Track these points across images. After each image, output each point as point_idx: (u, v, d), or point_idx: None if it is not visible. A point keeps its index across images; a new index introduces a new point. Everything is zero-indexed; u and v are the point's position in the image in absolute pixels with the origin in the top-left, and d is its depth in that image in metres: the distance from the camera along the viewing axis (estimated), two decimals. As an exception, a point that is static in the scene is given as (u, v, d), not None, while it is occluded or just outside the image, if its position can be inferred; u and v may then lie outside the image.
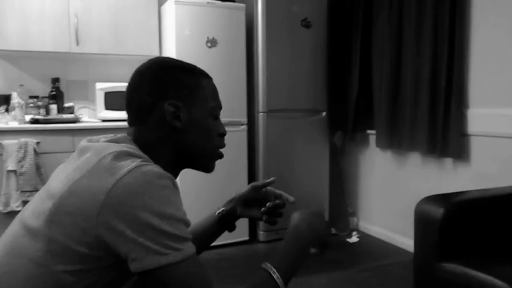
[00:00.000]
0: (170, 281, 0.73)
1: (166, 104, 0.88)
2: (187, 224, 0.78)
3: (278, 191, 1.16)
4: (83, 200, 0.74)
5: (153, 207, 0.72)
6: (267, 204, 1.15)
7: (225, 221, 1.17)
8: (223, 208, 1.17)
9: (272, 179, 1.18)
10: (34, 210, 0.80)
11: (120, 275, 0.82)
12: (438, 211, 1.69)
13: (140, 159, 0.79)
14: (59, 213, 0.75)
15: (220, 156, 1.00)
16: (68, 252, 0.74)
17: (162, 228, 0.72)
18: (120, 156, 0.79)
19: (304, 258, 0.91)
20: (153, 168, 0.77)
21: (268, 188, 1.18)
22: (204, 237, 1.16)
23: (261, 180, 1.18)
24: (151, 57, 0.98)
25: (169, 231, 0.73)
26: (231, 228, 1.19)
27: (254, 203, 1.19)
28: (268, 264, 0.86)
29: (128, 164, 0.76)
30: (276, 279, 0.84)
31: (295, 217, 0.97)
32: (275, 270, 0.85)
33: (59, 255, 0.74)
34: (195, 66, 0.96)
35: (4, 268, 0.77)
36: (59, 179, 0.81)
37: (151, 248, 0.71)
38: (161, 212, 0.73)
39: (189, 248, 0.76)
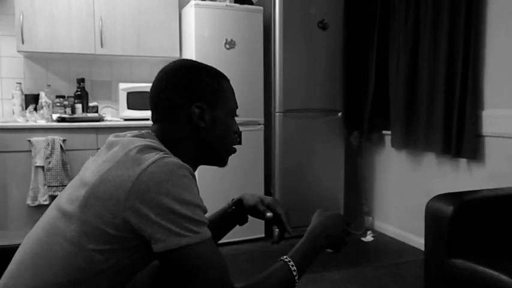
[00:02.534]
0: (189, 260, 0.81)
1: (193, 107, 0.98)
2: (204, 210, 0.86)
3: (280, 211, 1.16)
4: (112, 187, 0.83)
5: (174, 193, 0.81)
6: (277, 230, 1.21)
7: (234, 211, 1.24)
8: (234, 207, 1.24)
9: (268, 215, 1.17)
10: (69, 197, 0.90)
11: (143, 257, 0.91)
12: (448, 209, 1.74)
13: (162, 152, 0.89)
14: (91, 198, 0.85)
15: (234, 151, 1.09)
16: (98, 233, 0.83)
17: (182, 213, 0.81)
18: (144, 149, 0.88)
19: (316, 256, 1.01)
20: (174, 159, 0.86)
21: (273, 204, 1.18)
22: (216, 228, 1.23)
23: (263, 207, 1.18)
24: (175, 59, 1.07)
25: (189, 216, 0.82)
26: (242, 222, 1.27)
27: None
28: (284, 256, 0.96)
29: (152, 156, 0.85)
30: (290, 265, 0.94)
31: (315, 218, 1.07)
32: (290, 259, 0.95)
33: (91, 235, 0.84)
34: (216, 69, 1.05)
35: (44, 246, 0.87)
36: (90, 170, 0.91)
37: (172, 230, 0.80)
38: (182, 198, 0.82)
39: (206, 231, 0.84)
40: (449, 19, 2.75)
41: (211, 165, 1.08)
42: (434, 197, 1.85)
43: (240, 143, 3.21)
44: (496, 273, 1.54)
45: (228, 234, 1.28)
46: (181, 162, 0.86)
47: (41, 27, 3.10)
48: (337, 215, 1.09)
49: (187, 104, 0.98)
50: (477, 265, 1.62)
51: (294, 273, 0.94)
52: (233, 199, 1.25)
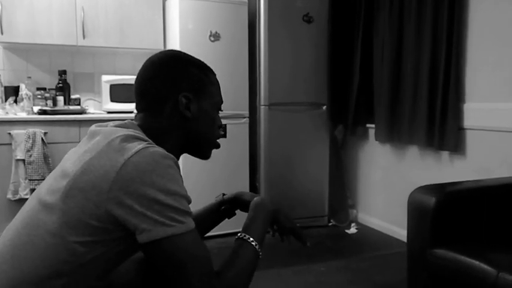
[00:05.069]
0: (175, 250, 0.81)
1: (180, 96, 0.97)
2: (188, 200, 0.86)
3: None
4: (94, 178, 0.82)
5: (159, 184, 0.80)
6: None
7: (225, 209, 1.26)
8: (227, 205, 1.26)
9: None
10: (49, 188, 0.88)
11: (127, 248, 0.90)
12: (430, 200, 1.76)
13: (146, 142, 0.87)
14: (73, 189, 0.83)
15: (218, 146, 1.09)
16: (80, 224, 0.82)
17: (167, 203, 0.80)
18: (127, 139, 0.86)
19: (268, 221, 1.09)
20: (158, 149, 0.85)
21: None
22: (205, 222, 1.24)
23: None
24: (161, 50, 1.06)
25: (174, 206, 0.81)
26: (230, 215, 1.28)
27: None
28: (240, 234, 0.97)
29: (136, 146, 0.84)
30: (248, 240, 0.95)
31: (255, 199, 1.11)
32: (245, 234, 0.97)
33: (73, 227, 0.82)
34: (204, 63, 1.05)
35: (24, 239, 0.85)
36: (71, 160, 0.89)
37: (158, 220, 0.79)
38: (166, 189, 0.81)
39: (191, 222, 0.84)
40: (432, 12, 2.77)
41: (194, 156, 1.08)
42: (417, 189, 1.87)
43: (224, 136, 3.20)
44: (477, 262, 1.57)
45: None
46: (166, 152, 0.85)
47: (20, 18, 3.03)
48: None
49: (174, 93, 0.97)
50: (459, 255, 1.65)
51: (253, 243, 0.95)
52: (223, 194, 1.26)
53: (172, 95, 0.97)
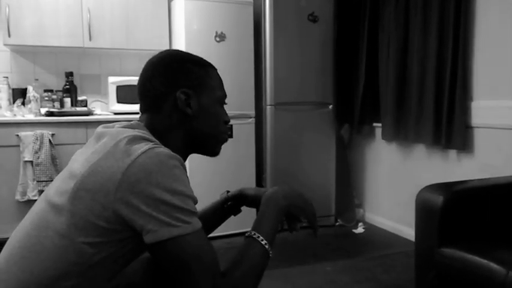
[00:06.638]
0: (181, 250, 0.81)
1: (179, 93, 0.97)
2: (194, 200, 0.86)
3: None
4: (102, 179, 0.82)
5: (165, 184, 0.80)
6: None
7: (230, 205, 1.25)
8: (230, 202, 1.24)
9: None
10: (57, 189, 0.88)
11: (135, 249, 0.90)
12: (438, 199, 1.75)
13: (152, 143, 0.88)
14: (80, 191, 0.83)
15: (225, 140, 1.07)
16: (88, 225, 0.82)
17: (173, 203, 0.80)
18: (134, 139, 0.87)
19: (280, 219, 1.00)
20: (164, 150, 0.85)
21: None
22: (211, 220, 1.23)
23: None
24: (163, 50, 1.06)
25: (180, 206, 0.81)
26: (236, 212, 1.27)
27: None
28: (249, 232, 0.94)
29: (142, 146, 0.84)
30: (258, 239, 0.92)
31: (269, 190, 1.05)
32: (255, 232, 0.93)
33: (81, 228, 0.82)
34: (203, 59, 1.05)
35: (33, 240, 0.86)
36: (79, 162, 0.89)
37: (164, 220, 0.79)
38: (172, 189, 0.81)
39: (197, 222, 0.84)
40: (438, 9, 2.76)
41: (202, 154, 1.07)
42: (424, 188, 1.86)
43: (231, 136, 3.20)
44: (485, 261, 1.56)
45: (220, 227, 1.28)
46: (172, 153, 0.85)
47: (27, 20, 3.05)
48: (294, 189, 1.06)
49: (173, 91, 0.97)
50: (467, 254, 1.64)
51: (263, 242, 0.92)
52: (228, 191, 1.25)
53: (171, 92, 0.97)
